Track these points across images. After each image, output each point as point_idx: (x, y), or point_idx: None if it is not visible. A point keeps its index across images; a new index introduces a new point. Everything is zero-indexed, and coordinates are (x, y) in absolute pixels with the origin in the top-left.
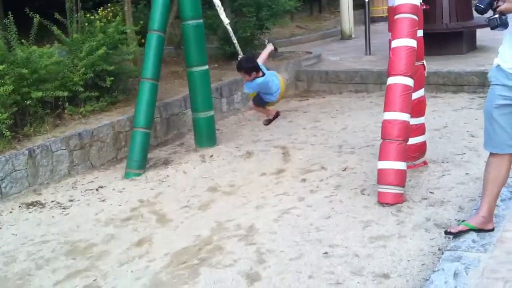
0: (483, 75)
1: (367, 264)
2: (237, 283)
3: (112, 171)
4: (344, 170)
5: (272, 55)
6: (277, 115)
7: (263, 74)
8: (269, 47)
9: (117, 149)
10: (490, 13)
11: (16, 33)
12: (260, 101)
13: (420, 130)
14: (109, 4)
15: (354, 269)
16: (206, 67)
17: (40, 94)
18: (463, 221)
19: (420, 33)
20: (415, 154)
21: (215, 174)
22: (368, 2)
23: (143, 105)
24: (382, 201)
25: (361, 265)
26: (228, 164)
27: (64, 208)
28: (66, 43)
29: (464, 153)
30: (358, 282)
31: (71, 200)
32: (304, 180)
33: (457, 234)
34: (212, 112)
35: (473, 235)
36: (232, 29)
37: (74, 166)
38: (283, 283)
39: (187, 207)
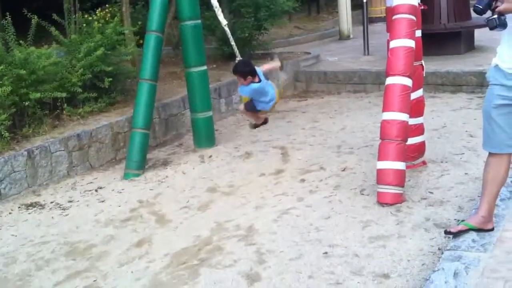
0: (482, 75)
1: (367, 264)
2: (237, 284)
3: (111, 172)
4: (343, 170)
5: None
6: (265, 121)
7: (259, 81)
8: (277, 63)
9: (116, 150)
10: (488, 13)
11: (14, 34)
12: (252, 107)
13: (419, 130)
14: (107, 5)
15: (354, 269)
16: (205, 67)
17: (38, 95)
18: (462, 220)
19: (418, 33)
20: (414, 154)
21: (214, 174)
22: (366, 2)
23: (142, 105)
24: (382, 201)
25: (361, 265)
26: (227, 165)
27: (64, 209)
28: (64, 44)
29: (463, 153)
30: (358, 282)
31: (70, 201)
32: (303, 180)
33: (456, 234)
34: (210, 113)
35: (473, 235)
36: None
37: (73, 167)
38: (283, 283)
39: (187, 208)
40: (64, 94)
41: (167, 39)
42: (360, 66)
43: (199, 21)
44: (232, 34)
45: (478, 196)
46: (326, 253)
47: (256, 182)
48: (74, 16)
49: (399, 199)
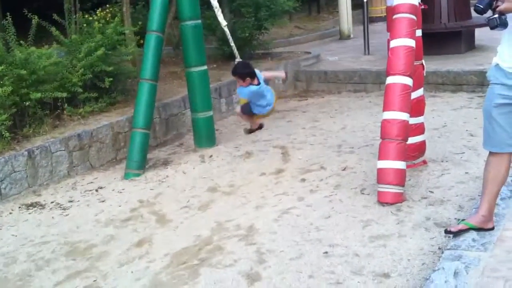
0: (482, 74)
1: (367, 263)
2: (237, 283)
3: (111, 171)
4: (344, 169)
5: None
6: (260, 127)
7: (258, 83)
8: (281, 73)
9: (116, 150)
10: (489, 13)
11: (15, 34)
12: (248, 111)
13: (419, 129)
14: (107, 5)
15: (354, 268)
16: (205, 67)
17: (39, 95)
18: (463, 220)
19: (418, 32)
20: (414, 154)
21: (214, 174)
22: (367, 2)
23: (142, 105)
24: (382, 201)
25: (361, 264)
26: (228, 164)
27: (64, 209)
28: (64, 44)
29: (464, 152)
30: (358, 282)
31: (70, 201)
32: (303, 180)
33: (457, 233)
34: (211, 113)
35: (473, 234)
36: (231, 30)
37: (74, 167)
38: (284, 283)
39: (187, 208)
40: (64, 94)
41: (167, 39)
42: (360, 66)
43: (200, 21)
44: (233, 34)
45: (479, 195)
46: (326, 252)
47: (256, 181)
48: (74, 16)
49: (399, 199)
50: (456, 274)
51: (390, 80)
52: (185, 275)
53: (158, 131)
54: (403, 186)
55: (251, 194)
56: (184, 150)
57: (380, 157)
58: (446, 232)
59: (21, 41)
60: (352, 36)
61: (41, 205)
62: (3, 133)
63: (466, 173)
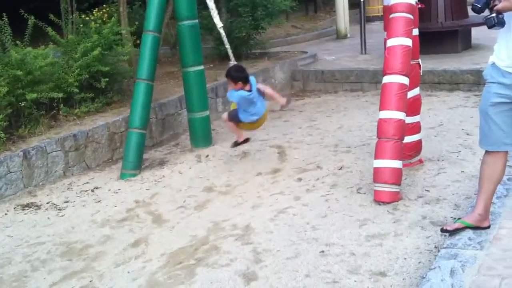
0: (478, 73)
1: (363, 262)
2: (233, 283)
3: (107, 172)
4: (340, 169)
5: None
6: (245, 141)
7: (250, 90)
8: (282, 99)
9: (112, 150)
10: (487, 12)
11: (11, 34)
12: (235, 117)
13: (415, 128)
14: (104, 5)
15: (350, 267)
16: (202, 67)
17: (34, 95)
18: (459, 218)
19: (415, 32)
20: (410, 153)
21: (211, 174)
22: (364, 1)
23: (138, 105)
24: (378, 200)
25: (358, 263)
26: (224, 164)
27: (60, 210)
28: (61, 44)
29: (460, 151)
30: (355, 281)
31: (66, 201)
32: (300, 179)
33: (453, 232)
34: (207, 112)
35: (469, 233)
36: (228, 29)
37: (69, 167)
38: (280, 282)
39: (183, 207)
40: (60, 95)
41: (164, 38)
42: (357, 65)
43: (197, 20)
44: (230, 34)
45: (475, 194)
46: (322, 252)
47: (252, 181)
48: (71, 17)
49: (395, 198)
50: (452, 272)
51: (386, 79)
52: (182, 275)
53: (154, 131)
54: (399, 185)
55: (247, 194)
56: (180, 150)
57: (377, 156)
58: (442, 230)
59: (17, 42)
60: (349, 35)
61: (36, 206)
62: None
63: (462, 172)
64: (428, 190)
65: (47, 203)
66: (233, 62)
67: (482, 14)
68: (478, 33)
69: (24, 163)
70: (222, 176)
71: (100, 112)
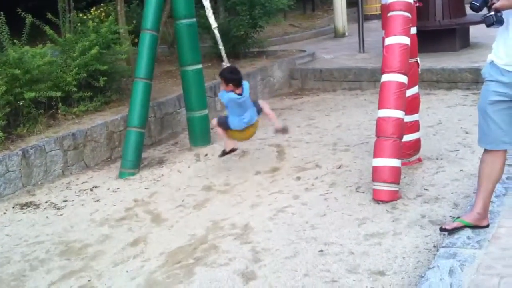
0: (477, 71)
1: (362, 261)
2: (232, 282)
3: (106, 171)
4: (339, 168)
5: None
6: (232, 150)
7: (241, 94)
8: (278, 123)
9: (111, 149)
10: (485, 10)
11: (9, 33)
12: (224, 123)
13: (414, 127)
14: (101, 4)
15: (349, 266)
16: (200, 66)
17: (33, 94)
18: (458, 217)
19: (413, 30)
20: (409, 151)
21: (209, 173)
22: (362, 0)
23: (137, 104)
24: (377, 199)
25: (357, 262)
26: (223, 163)
27: (58, 209)
28: (59, 43)
29: (458, 150)
30: (353, 280)
31: (65, 201)
32: (299, 178)
33: (452, 231)
34: (206, 111)
35: (468, 232)
36: (225, 28)
37: (68, 166)
38: (279, 282)
39: (182, 206)
40: (59, 94)
41: (162, 37)
42: (355, 64)
43: (194, 19)
44: (228, 32)
45: (474, 193)
46: (321, 251)
47: (251, 180)
48: (68, 15)
49: (394, 196)
50: (451, 271)
51: (385, 78)
52: (180, 274)
53: (153, 130)
54: (398, 184)
55: (246, 193)
56: (179, 149)
57: (375, 155)
58: (441, 229)
59: (15, 40)
60: (347, 34)
61: (35, 205)
62: None
63: (461, 170)
64: (427, 189)
65: (46, 202)
66: (226, 63)
67: (480, 13)
68: (476, 32)
69: (22, 162)
70: (221, 175)
71: (99, 111)
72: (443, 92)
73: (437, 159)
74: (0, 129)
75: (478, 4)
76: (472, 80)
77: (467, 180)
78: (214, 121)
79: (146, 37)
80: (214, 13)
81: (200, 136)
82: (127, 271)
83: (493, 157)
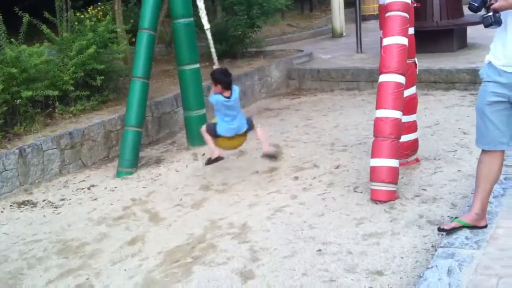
0: (474, 72)
1: (360, 261)
2: (230, 281)
3: (103, 170)
4: (337, 167)
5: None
6: (218, 159)
7: (229, 97)
8: (269, 148)
9: (108, 148)
10: (483, 11)
11: (5, 32)
12: (212, 130)
13: (412, 127)
14: (99, 3)
15: (347, 266)
16: (198, 65)
17: (30, 93)
18: (456, 218)
19: (411, 30)
20: (407, 152)
21: (207, 172)
22: (359, 0)
23: (134, 103)
24: (375, 199)
25: (355, 262)
26: (221, 163)
27: (56, 207)
28: (56, 42)
29: (456, 150)
30: (352, 279)
31: (62, 199)
32: (296, 178)
33: (450, 231)
34: (204, 111)
35: (466, 232)
36: (223, 28)
37: (65, 165)
38: (277, 281)
39: (180, 206)
40: (56, 93)
41: (159, 37)
42: (353, 64)
43: (192, 19)
44: (225, 32)
45: (471, 193)
46: (319, 250)
47: (249, 180)
48: (65, 14)
49: (392, 197)
50: (449, 271)
51: (383, 78)
52: (178, 273)
53: (150, 130)
54: (396, 184)
55: (244, 192)
56: (177, 148)
57: (373, 155)
58: (439, 230)
59: (12, 39)
60: (344, 34)
61: (32, 204)
62: None
63: (459, 171)
64: (424, 189)
65: (43, 200)
66: (216, 66)
67: (478, 13)
68: (474, 32)
69: (20, 160)
70: (218, 174)
71: (96, 110)
72: (440, 93)
73: (434, 159)
74: None
75: (476, 5)
76: (470, 80)
77: (464, 181)
78: (203, 127)
79: (144, 37)
80: (212, 12)
81: (197, 135)
82: (125, 270)
83: (491, 158)
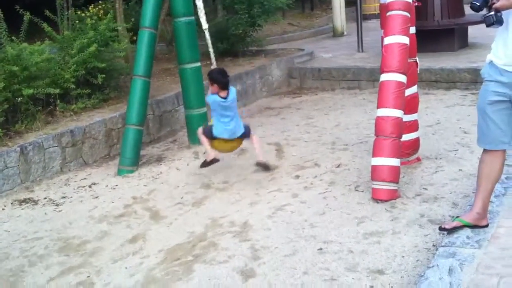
0: (475, 72)
1: (361, 260)
2: (231, 280)
3: (104, 168)
4: (338, 166)
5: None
6: (213, 161)
7: (225, 98)
8: (262, 158)
9: (109, 146)
10: (485, 10)
11: (7, 30)
12: (208, 132)
13: (413, 126)
14: (100, 1)
15: (348, 265)
16: (199, 64)
17: (31, 91)
18: (457, 217)
19: (412, 30)
20: (408, 151)
21: (208, 171)
22: None
23: (135, 102)
24: (376, 198)
25: (356, 261)
26: (222, 161)
27: (57, 205)
28: (57, 40)
29: (457, 150)
30: (352, 278)
31: (63, 197)
32: (297, 176)
33: (451, 230)
34: (205, 109)
35: (467, 231)
36: (224, 26)
37: (67, 163)
38: (278, 279)
39: (181, 204)
40: (57, 90)
41: (160, 35)
42: (354, 63)
43: (193, 17)
44: (226, 31)
45: (473, 193)
46: (320, 249)
47: (250, 178)
48: (66, 13)
49: (393, 196)
50: (450, 271)
51: (384, 77)
52: (179, 271)
53: (151, 128)
54: (397, 183)
55: (245, 191)
56: (178, 147)
57: (374, 154)
58: (441, 229)
59: (13, 37)
60: (345, 33)
61: (34, 201)
62: None
63: (460, 170)
64: (426, 188)
65: (45, 198)
66: (214, 66)
67: (480, 13)
68: (475, 32)
69: (21, 158)
70: (219, 173)
71: (97, 108)
72: (441, 92)
73: (436, 158)
74: None
75: (478, 4)
76: (471, 80)
77: (466, 180)
78: (200, 129)
79: (145, 35)
80: (213, 11)
81: None
82: (126, 268)
83: (492, 157)
